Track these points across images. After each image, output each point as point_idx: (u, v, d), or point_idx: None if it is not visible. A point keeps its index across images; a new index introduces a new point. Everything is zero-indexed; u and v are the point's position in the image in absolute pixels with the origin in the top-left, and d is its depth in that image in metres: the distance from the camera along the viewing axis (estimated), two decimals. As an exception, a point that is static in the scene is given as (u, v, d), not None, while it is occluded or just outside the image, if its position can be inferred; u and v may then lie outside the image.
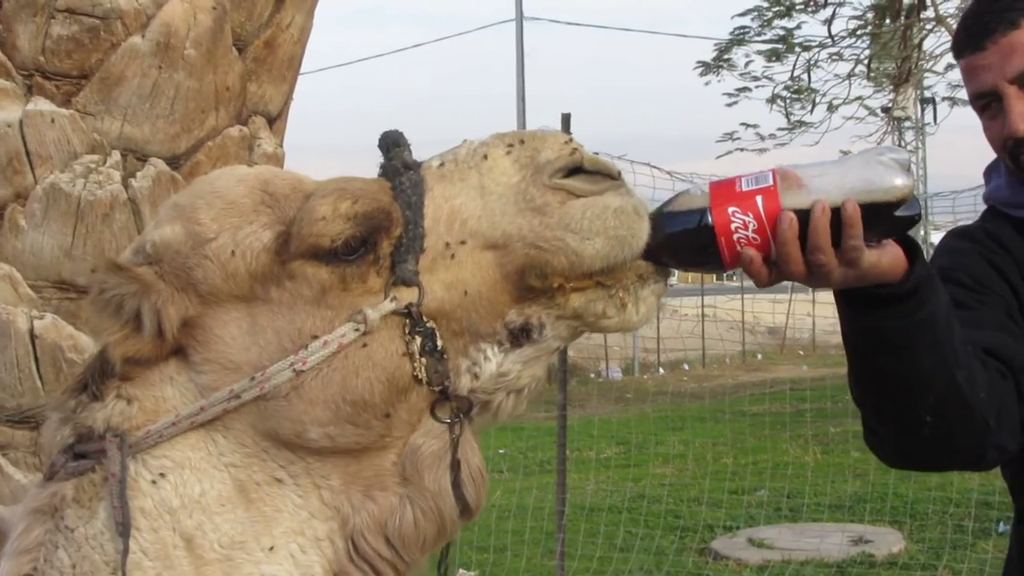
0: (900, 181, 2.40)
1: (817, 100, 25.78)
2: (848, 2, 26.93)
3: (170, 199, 2.49)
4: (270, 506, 2.32)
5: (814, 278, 2.43)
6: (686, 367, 35.18)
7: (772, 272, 2.43)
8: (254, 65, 4.70)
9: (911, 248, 2.55)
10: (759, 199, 2.38)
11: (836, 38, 23.80)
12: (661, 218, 2.40)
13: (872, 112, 25.61)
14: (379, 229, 2.30)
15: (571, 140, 2.41)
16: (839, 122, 25.47)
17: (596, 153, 2.48)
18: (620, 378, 33.14)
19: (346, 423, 2.29)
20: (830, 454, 17.72)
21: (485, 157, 2.37)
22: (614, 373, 33.72)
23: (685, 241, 2.40)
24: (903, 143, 27.73)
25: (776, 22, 26.15)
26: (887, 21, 23.58)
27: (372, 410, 2.28)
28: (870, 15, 24.77)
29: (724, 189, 2.41)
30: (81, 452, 2.30)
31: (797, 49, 25.48)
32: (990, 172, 3.37)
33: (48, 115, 4.27)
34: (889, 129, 26.31)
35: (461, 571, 11.86)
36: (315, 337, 2.27)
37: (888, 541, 12.55)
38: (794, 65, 25.09)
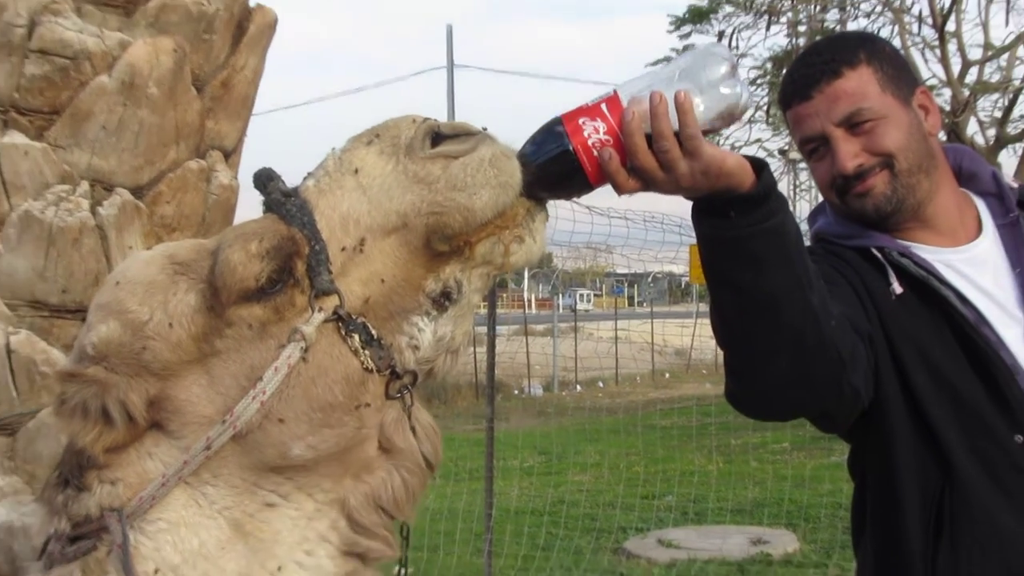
0: (723, 68, 2.45)
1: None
2: (749, 54, 27.23)
3: (91, 304, 2.44)
4: (267, 531, 2.30)
5: (665, 171, 2.43)
6: (601, 384, 35.21)
7: (632, 175, 2.44)
8: (211, 103, 4.70)
9: (759, 165, 2.58)
10: (604, 107, 2.42)
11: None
12: (527, 155, 2.41)
13: (771, 154, 25.84)
14: (291, 255, 2.29)
15: (418, 116, 2.42)
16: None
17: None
18: (541, 394, 33.13)
19: (322, 428, 2.28)
20: (732, 463, 17.82)
21: (352, 161, 2.38)
22: (536, 390, 33.71)
23: (552, 167, 2.40)
24: (798, 183, 28.02)
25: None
26: (784, 71, 23.89)
27: (341, 408, 2.28)
28: (769, 66, 25.06)
29: (574, 111, 2.43)
30: (78, 536, 2.27)
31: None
32: (815, 215, 3.43)
33: (22, 148, 4.25)
34: (785, 170, 26.60)
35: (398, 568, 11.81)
36: (266, 367, 2.25)
37: (784, 542, 12.64)
38: (700, 110, 25.22)
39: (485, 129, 2.42)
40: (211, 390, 2.29)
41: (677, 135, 2.41)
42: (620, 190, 2.47)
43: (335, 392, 2.28)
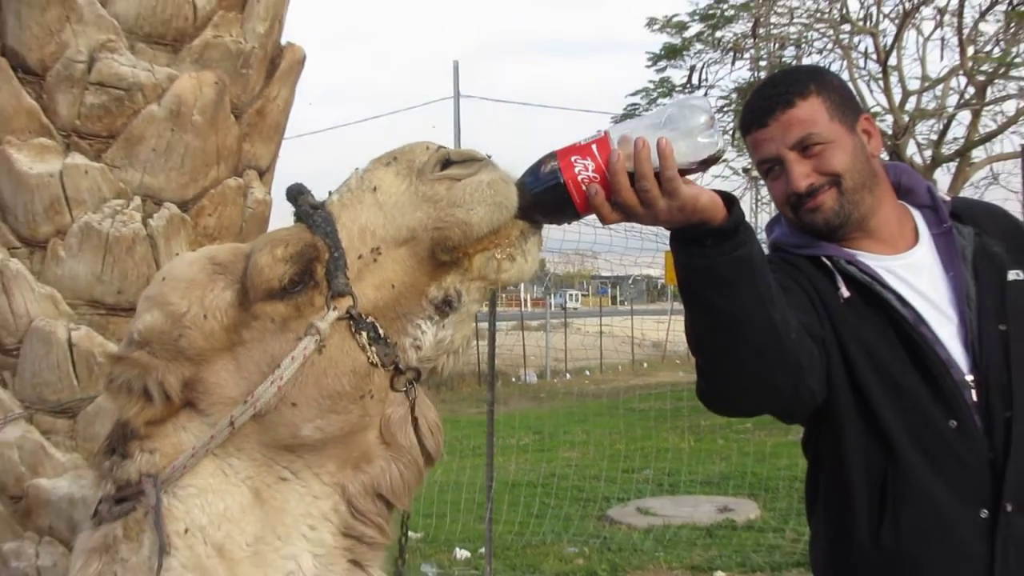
0: (702, 118, 2.43)
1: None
2: (716, 85, 27.26)
3: (141, 295, 2.46)
4: (279, 500, 2.30)
5: (645, 207, 2.42)
6: (588, 373, 35.27)
7: (615, 209, 2.43)
8: (248, 129, 4.69)
9: (730, 199, 2.58)
10: (594, 147, 2.40)
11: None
12: (526, 183, 2.40)
13: (736, 172, 25.82)
14: (312, 260, 2.29)
15: (432, 143, 2.42)
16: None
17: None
18: (536, 381, 33.16)
19: (329, 413, 2.27)
20: (701, 441, 17.86)
21: (371, 180, 2.37)
22: (531, 377, 33.74)
23: (546, 196, 2.39)
24: (760, 198, 27.95)
25: (660, 100, 26.33)
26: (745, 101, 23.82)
27: (347, 397, 2.27)
28: (734, 96, 25.05)
29: (568, 148, 2.42)
30: (121, 498, 2.27)
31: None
32: (772, 225, 3.41)
33: (83, 167, 4.24)
34: (748, 186, 26.54)
35: (410, 534, 11.84)
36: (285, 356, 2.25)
37: (747, 509, 12.68)
38: (674, 134, 25.19)
39: (489, 157, 2.41)
40: (237, 375, 2.29)
41: (658, 175, 2.40)
42: (604, 221, 2.46)
43: (343, 382, 2.27)
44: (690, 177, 2.48)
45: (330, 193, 2.43)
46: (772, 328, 2.72)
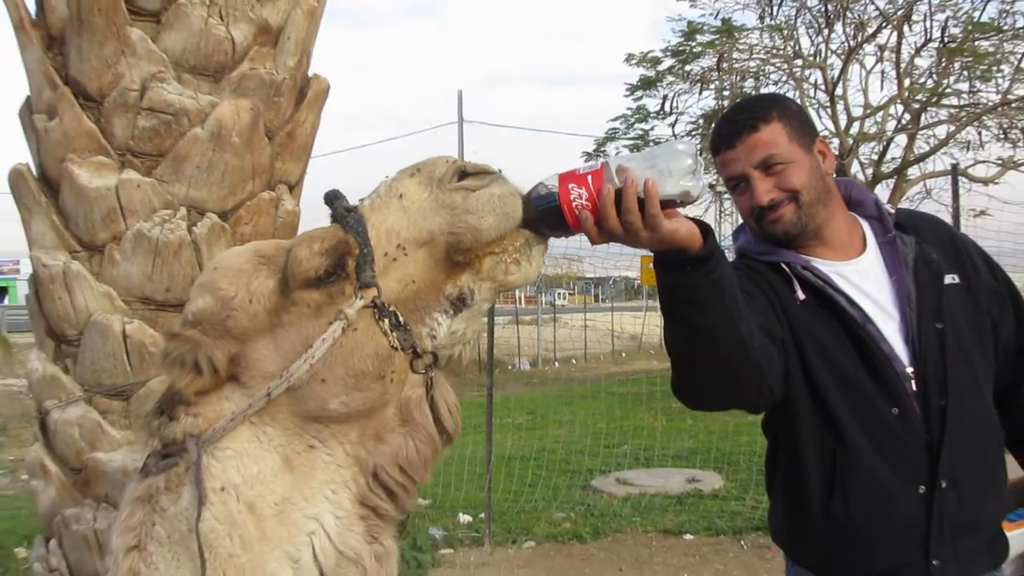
0: (688, 162, 2.40)
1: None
2: (686, 112, 27.26)
3: (194, 283, 2.45)
4: (307, 466, 2.28)
5: (629, 235, 2.39)
6: (574, 361, 35.25)
7: (602, 234, 2.40)
8: (279, 149, 4.67)
9: (706, 229, 2.55)
10: (590, 178, 2.38)
11: (678, 137, 23.97)
12: (531, 199, 2.38)
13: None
14: (344, 255, 2.27)
15: (451, 157, 2.40)
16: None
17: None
18: (529, 368, 33.16)
19: (353, 390, 2.25)
20: (673, 421, 17.84)
21: (398, 188, 2.36)
22: (524, 365, 33.73)
23: (545, 214, 2.37)
24: (723, 211, 27.95)
25: (637, 125, 26.36)
26: (712, 125, 23.78)
27: (369, 376, 2.25)
28: (701, 121, 25.06)
29: (568, 174, 2.40)
30: (166, 454, 2.26)
31: (651, 143, 25.68)
32: (738, 233, 3.38)
33: (135, 182, 4.24)
34: (713, 199, 26.56)
35: (419, 501, 11.84)
36: (317, 337, 2.24)
37: (712, 480, 12.65)
38: (649, 155, 25.20)
39: (500, 171, 2.40)
40: (275, 353, 2.27)
41: (643, 209, 2.38)
42: (592, 242, 2.44)
43: (367, 363, 2.25)
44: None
45: (361, 199, 2.42)
46: (739, 340, 2.70)
